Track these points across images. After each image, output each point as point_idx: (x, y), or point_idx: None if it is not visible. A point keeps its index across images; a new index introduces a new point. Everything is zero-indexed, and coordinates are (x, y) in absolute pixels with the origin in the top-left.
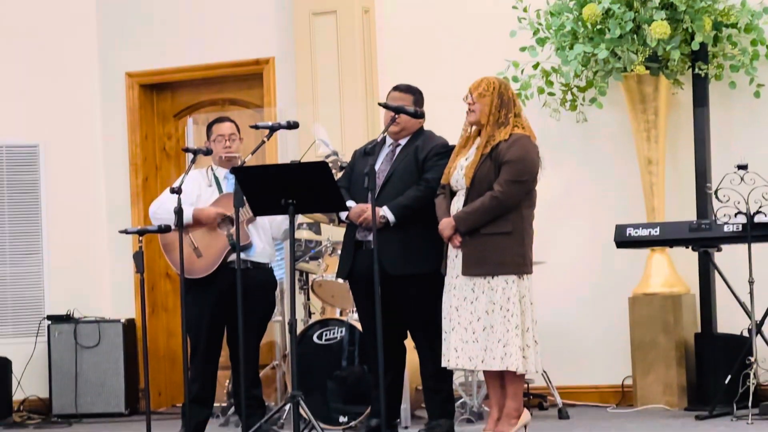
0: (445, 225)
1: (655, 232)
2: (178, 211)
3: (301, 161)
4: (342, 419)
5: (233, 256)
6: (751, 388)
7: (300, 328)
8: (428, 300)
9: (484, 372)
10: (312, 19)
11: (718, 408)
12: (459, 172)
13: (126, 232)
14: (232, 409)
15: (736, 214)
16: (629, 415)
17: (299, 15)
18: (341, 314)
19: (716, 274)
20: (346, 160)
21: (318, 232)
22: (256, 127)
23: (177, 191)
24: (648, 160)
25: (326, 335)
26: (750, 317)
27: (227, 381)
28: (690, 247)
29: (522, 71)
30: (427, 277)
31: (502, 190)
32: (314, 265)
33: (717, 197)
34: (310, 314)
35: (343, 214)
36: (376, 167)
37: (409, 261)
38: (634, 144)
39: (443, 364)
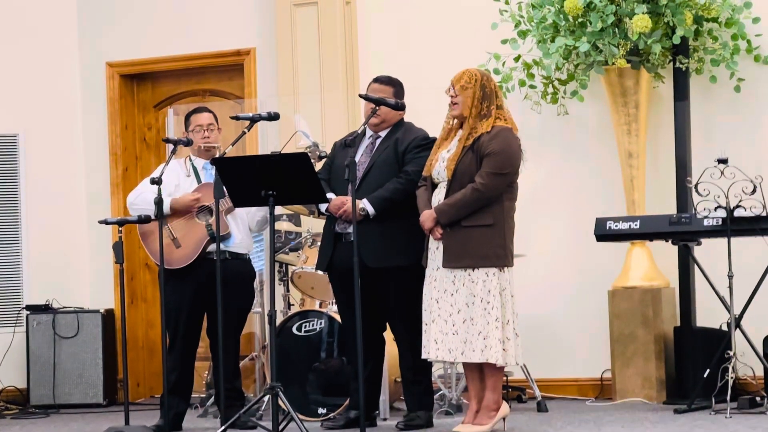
0: (427, 217)
1: (635, 225)
2: (158, 202)
3: (282, 153)
4: (321, 411)
5: (212, 247)
6: (730, 382)
7: (279, 319)
8: (408, 292)
9: (464, 364)
10: (293, 10)
11: (697, 402)
12: (441, 164)
13: (106, 222)
14: (211, 400)
15: (716, 208)
16: (608, 408)
17: (280, 6)
18: (321, 306)
19: (696, 267)
20: (326, 151)
21: (298, 223)
22: (237, 118)
23: (157, 182)
24: (628, 153)
25: (305, 327)
26: (729, 311)
27: (206, 372)
28: (670, 241)
29: (503, 64)
30: (407, 269)
31: (483, 182)
32: (294, 256)
33: (697, 191)
34: (289, 306)
35: (323, 206)
36: (356, 159)
37: (388, 253)
38: (614, 137)
39: (423, 356)
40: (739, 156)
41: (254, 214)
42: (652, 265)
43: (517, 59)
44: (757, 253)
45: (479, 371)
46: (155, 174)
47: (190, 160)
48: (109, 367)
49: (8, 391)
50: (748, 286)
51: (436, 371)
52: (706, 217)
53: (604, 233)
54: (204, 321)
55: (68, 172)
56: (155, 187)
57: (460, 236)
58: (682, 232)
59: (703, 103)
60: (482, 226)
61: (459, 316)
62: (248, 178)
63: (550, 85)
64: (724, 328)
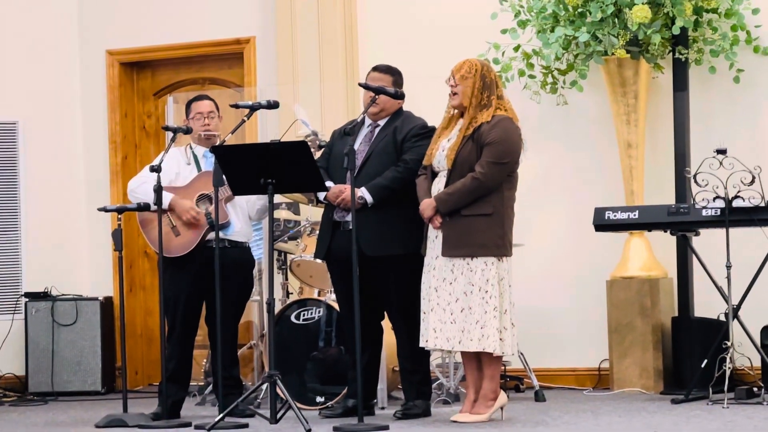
0: (426, 206)
1: (634, 215)
2: (158, 190)
3: (281, 141)
4: (319, 399)
5: (211, 235)
6: (727, 373)
7: (278, 308)
8: (406, 281)
9: (462, 353)
10: None
11: (694, 392)
12: (441, 153)
13: (105, 210)
14: (209, 388)
15: (714, 199)
16: (605, 398)
17: None
18: (319, 294)
19: (694, 258)
20: (325, 140)
21: (297, 212)
22: (237, 107)
23: (156, 170)
24: (627, 143)
25: (304, 315)
26: (727, 301)
27: (205, 360)
28: (668, 231)
29: (503, 53)
30: (405, 258)
31: (483, 172)
32: (293, 245)
33: (696, 181)
34: (288, 294)
35: (322, 195)
36: (355, 147)
37: (386, 242)
38: (613, 127)
39: (421, 344)
40: (737, 146)
41: (254, 202)
42: (651, 255)
43: (516, 49)
44: (755, 244)
45: (477, 360)
46: (155, 162)
47: (191, 147)
48: (107, 355)
49: (7, 378)
50: (746, 276)
51: (434, 360)
52: (704, 207)
53: (602, 223)
54: (203, 309)
55: (67, 160)
56: (156, 174)
57: (460, 225)
58: (681, 222)
59: (702, 94)
60: (482, 216)
61: (457, 304)
62: (247, 167)
63: (550, 75)
64: (722, 318)
